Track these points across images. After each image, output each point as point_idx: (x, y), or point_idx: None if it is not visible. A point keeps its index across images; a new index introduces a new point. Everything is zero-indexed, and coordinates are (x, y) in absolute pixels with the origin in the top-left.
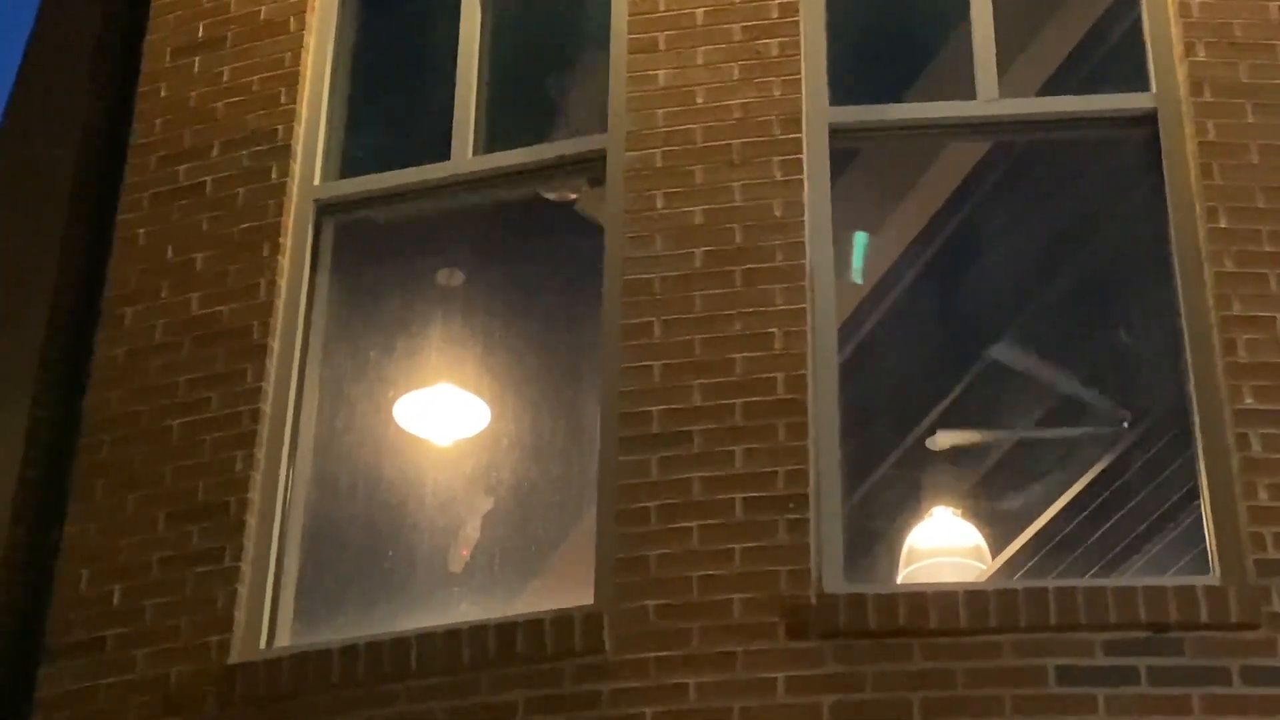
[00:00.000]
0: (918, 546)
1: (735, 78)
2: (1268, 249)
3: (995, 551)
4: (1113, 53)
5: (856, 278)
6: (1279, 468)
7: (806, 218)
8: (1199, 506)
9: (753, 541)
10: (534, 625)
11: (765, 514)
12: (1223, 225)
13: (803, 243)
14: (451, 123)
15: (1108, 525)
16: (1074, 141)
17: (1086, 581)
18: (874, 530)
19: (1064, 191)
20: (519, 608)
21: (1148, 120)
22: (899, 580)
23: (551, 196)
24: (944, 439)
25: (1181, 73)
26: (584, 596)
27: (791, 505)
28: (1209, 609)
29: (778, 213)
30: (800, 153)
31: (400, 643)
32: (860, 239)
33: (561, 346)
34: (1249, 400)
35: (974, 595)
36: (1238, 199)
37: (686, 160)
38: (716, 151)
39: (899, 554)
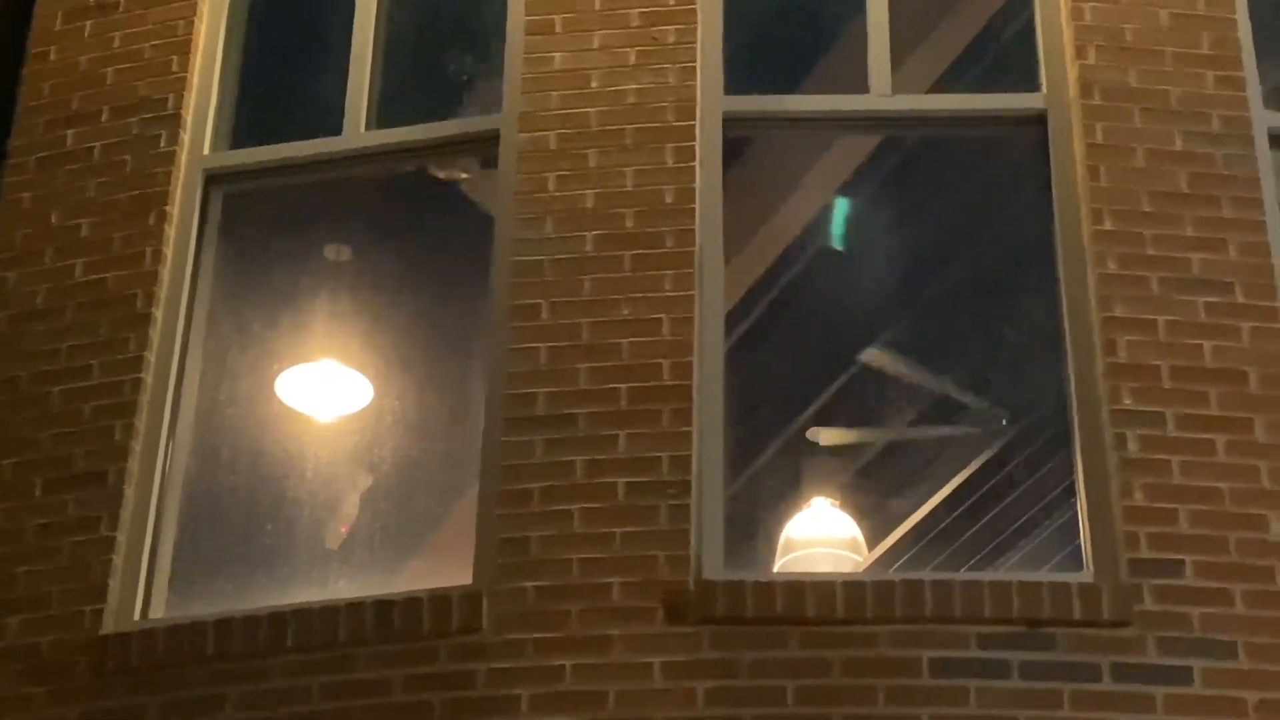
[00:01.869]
0: (795, 537)
1: (631, 63)
2: (1151, 252)
3: (873, 544)
4: (1006, 52)
5: (837, 244)
6: (1155, 468)
7: (698, 205)
8: (1076, 505)
9: (634, 526)
10: (412, 604)
11: (647, 499)
12: (1107, 227)
13: (693, 230)
14: (345, 97)
15: (985, 521)
16: (964, 140)
17: (963, 575)
18: (754, 519)
19: (953, 189)
20: (398, 586)
21: (1037, 121)
22: (775, 569)
23: (443, 175)
24: (824, 435)
25: (1072, 75)
26: (463, 576)
27: (673, 491)
28: (1082, 606)
29: (669, 199)
30: (693, 140)
31: (277, 618)
32: (841, 204)
33: (449, 326)
34: (1127, 401)
35: (851, 586)
36: (1123, 202)
37: (580, 144)
38: (610, 136)
39: (782, 543)
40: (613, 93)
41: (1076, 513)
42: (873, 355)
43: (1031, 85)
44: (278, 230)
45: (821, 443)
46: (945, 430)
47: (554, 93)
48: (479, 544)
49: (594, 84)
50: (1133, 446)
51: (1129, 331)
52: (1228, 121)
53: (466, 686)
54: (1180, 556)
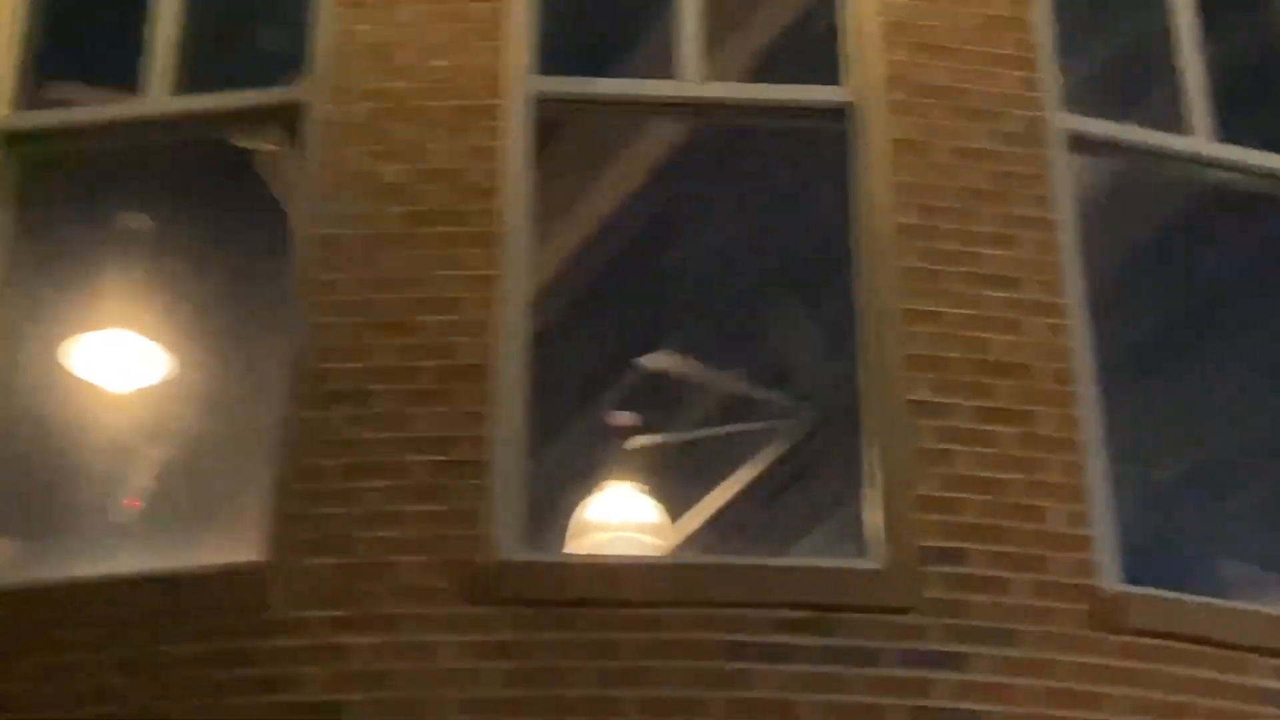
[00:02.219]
0: (592, 519)
1: (443, 38)
2: (948, 247)
3: (669, 529)
4: (816, 45)
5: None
6: (946, 459)
7: (505, 184)
8: (867, 494)
9: (431, 505)
10: (200, 579)
11: (445, 478)
12: (908, 221)
13: (500, 210)
14: (147, 62)
15: (780, 507)
16: (771, 130)
17: (757, 560)
18: (552, 501)
19: (760, 179)
20: (189, 560)
21: (843, 114)
22: (571, 552)
23: (246, 146)
24: (625, 420)
25: (878, 70)
26: (254, 552)
27: (471, 471)
28: (869, 592)
29: (476, 178)
30: (504, 119)
31: (62, 589)
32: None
33: (248, 299)
34: (920, 392)
35: (649, 569)
36: (925, 197)
37: (387, 118)
38: (419, 112)
39: (575, 525)
40: (423, 68)
41: (868, 502)
42: (669, 350)
43: (839, 79)
44: (75, 196)
45: (621, 428)
46: (743, 427)
47: (362, 66)
48: (272, 519)
49: (404, 58)
50: (924, 437)
51: (924, 324)
52: (1026, 121)
53: (252, 664)
54: (964, 545)
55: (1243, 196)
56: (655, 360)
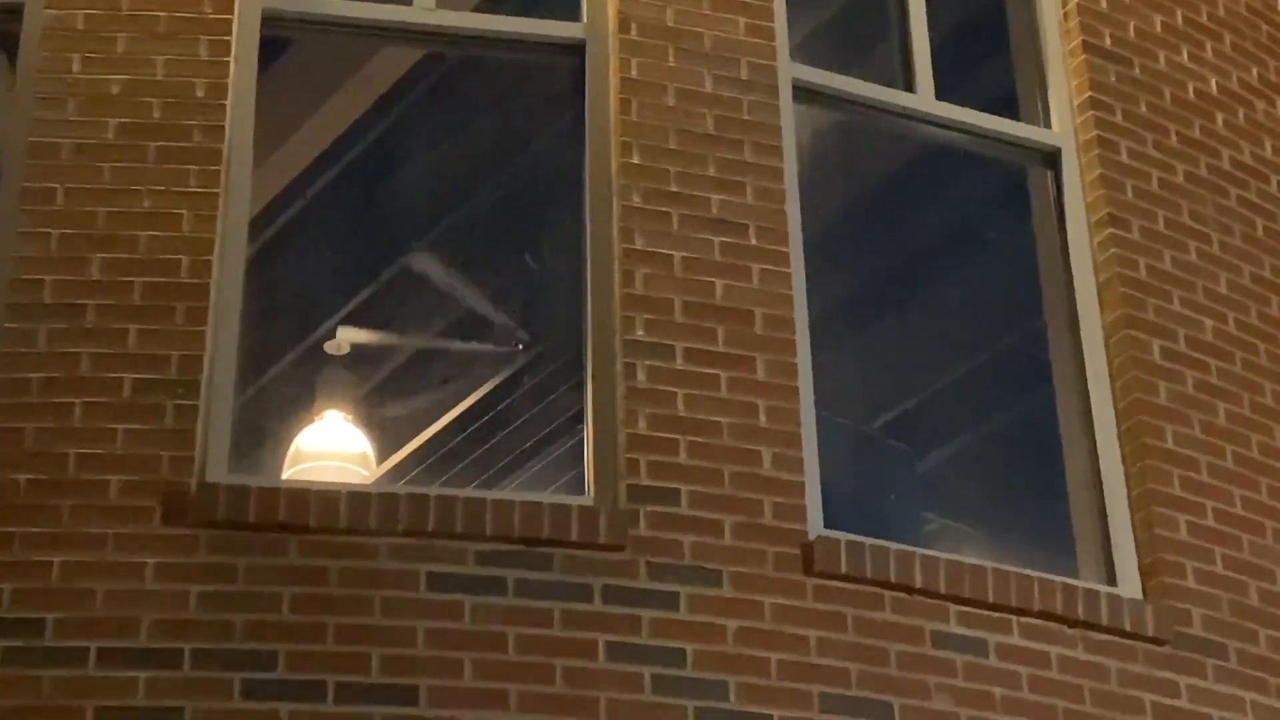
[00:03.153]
0: (304, 448)
1: None
2: (674, 189)
3: (383, 459)
4: None
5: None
6: (660, 398)
7: (229, 101)
8: (583, 430)
9: (138, 424)
10: None
11: (154, 397)
12: (635, 161)
13: (223, 126)
14: None
15: (495, 441)
16: (505, 62)
17: (467, 492)
18: (264, 427)
19: (492, 110)
20: None
21: (577, 50)
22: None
23: None
24: (344, 335)
25: (612, 8)
26: None
27: (181, 391)
28: (580, 528)
29: (200, 93)
30: (229, 34)
31: None
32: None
33: None
34: (639, 332)
35: (355, 496)
36: (652, 138)
37: (109, 26)
38: (141, 22)
39: (291, 455)
40: None
41: (583, 438)
42: (411, 260)
43: (574, 14)
44: None
45: (340, 351)
46: (463, 346)
47: None
48: None
49: None
50: (641, 376)
51: (646, 265)
52: (756, 69)
53: None
54: (676, 486)
55: (959, 154)
56: (409, 260)
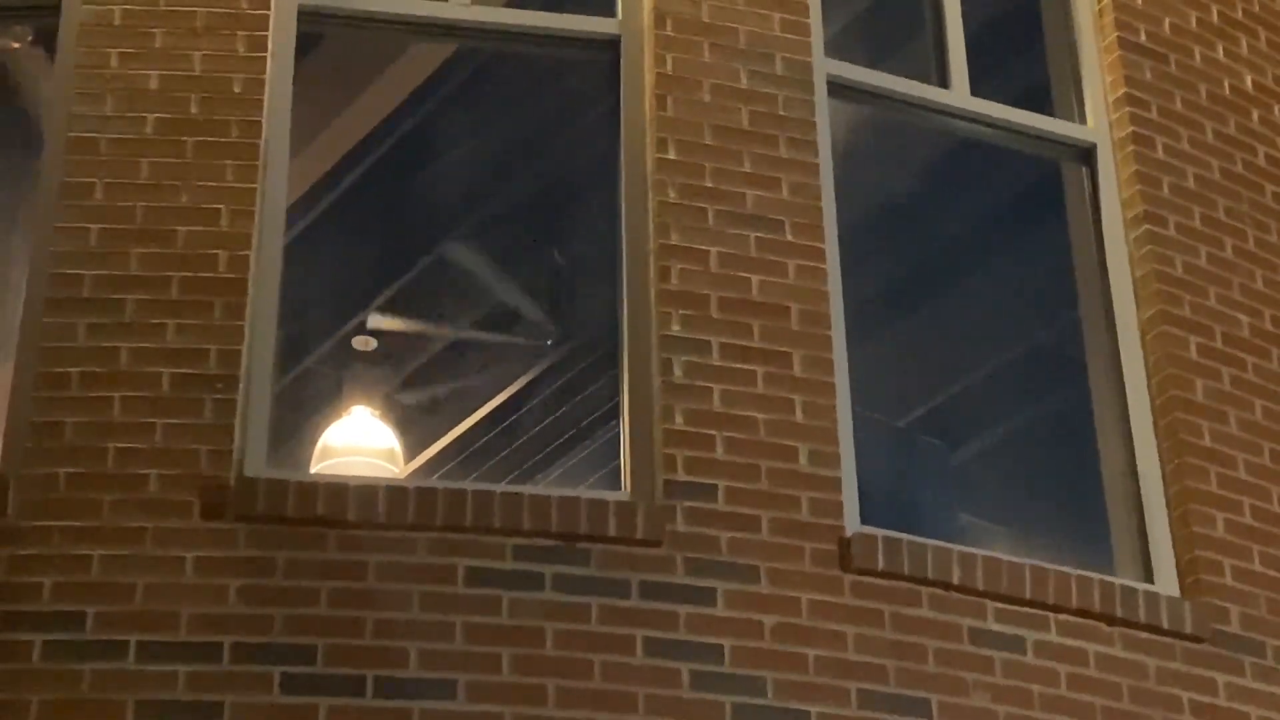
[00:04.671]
0: (332, 444)
1: None
2: (709, 184)
3: (414, 455)
4: None
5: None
6: (696, 394)
7: (266, 96)
8: (619, 425)
9: (177, 418)
10: None
11: (192, 391)
12: (670, 157)
13: (260, 121)
14: None
15: (530, 436)
16: (540, 57)
17: (504, 487)
18: (297, 421)
19: (526, 105)
20: None
21: (611, 46)
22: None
23: None
24: (376, 322)
25: (647, 4)
26: None
27: (220, 385)
28: (616, 524)
29: (237, 88)
30: (266, 29)
31: None
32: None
33: None
34: (675, 327)
35: (393, 491)
36: (687, 133)
37: (146, 21)
38: (179, 17)
39: (320, 449)
40: None
41: (619, 433)
42: (445, 253)
43: (609, 10)
44: None
45: (368, 349)
46: (496, 338)
47: None
48: (9, 427)
49: None
50: (677, 372)
51: (682, 260)
52: (790, 65)
53: None
54: (714, 481)
55: (994, 150)
56: (443, 254)
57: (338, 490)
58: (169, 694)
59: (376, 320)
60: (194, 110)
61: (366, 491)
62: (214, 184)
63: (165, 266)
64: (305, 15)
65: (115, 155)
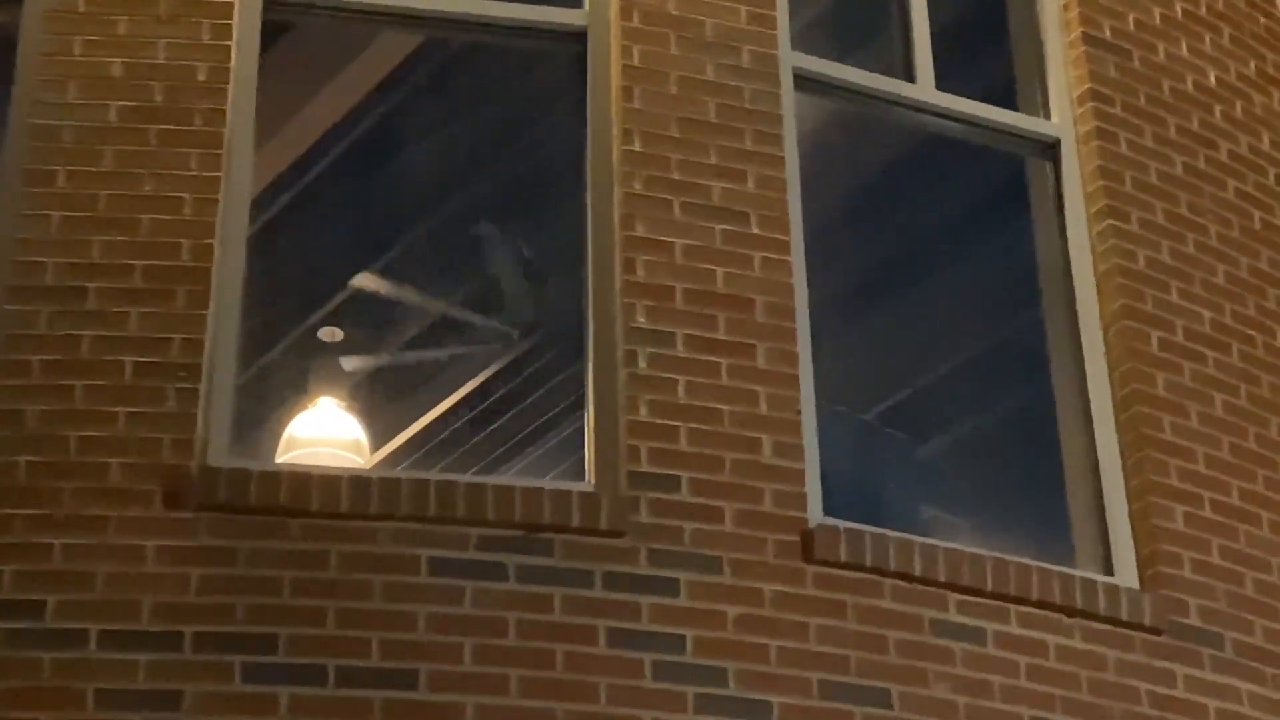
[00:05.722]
0: (298, 435)
1: None
2: (675, 176)
3: (380, 446)
4: None
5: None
6: (661, 385)
7: (231, 85)
8: (584, 416)
9: (139, 406)
10: None
11: (155, 380)
12: (636, 149)
13: (224, 110)
14: None
15: (495, 427)
16: (507, 49)
17: (468, 477)
18: (260, 412)
19: (493, 97)
20: None
21: (578, 38)
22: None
23: None
24: (360, 281)
25: None
26: None
27: (183, 374)
28: (580, 514)
29: (201, 77)
30: (231, 18)
31: None
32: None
33: None
34: (640, 319)
35: (357, 481)
36: (653, 125)
37: (110, 9)
38: (143, 5)
39: (285, 441)
40: None
41: (584, 424)
42: (409, 244)
43: (576, 2)
44: None
45: (335, 343)
46: (458, 350)
47: None
48: None
49: None
50: (642, 363)
51: (648, 252)
52: (757, 57)
53: None
54: (678, 473)
55: (958, 144)
56: (367, 280)
57: (301, 480)
58: (130, 683)
59: (361, 278)
60: (158, 98)
61: (329, 481)
62: (178, 172)
63: (128, 255)
64: (271, 4)
65: (78, 143)
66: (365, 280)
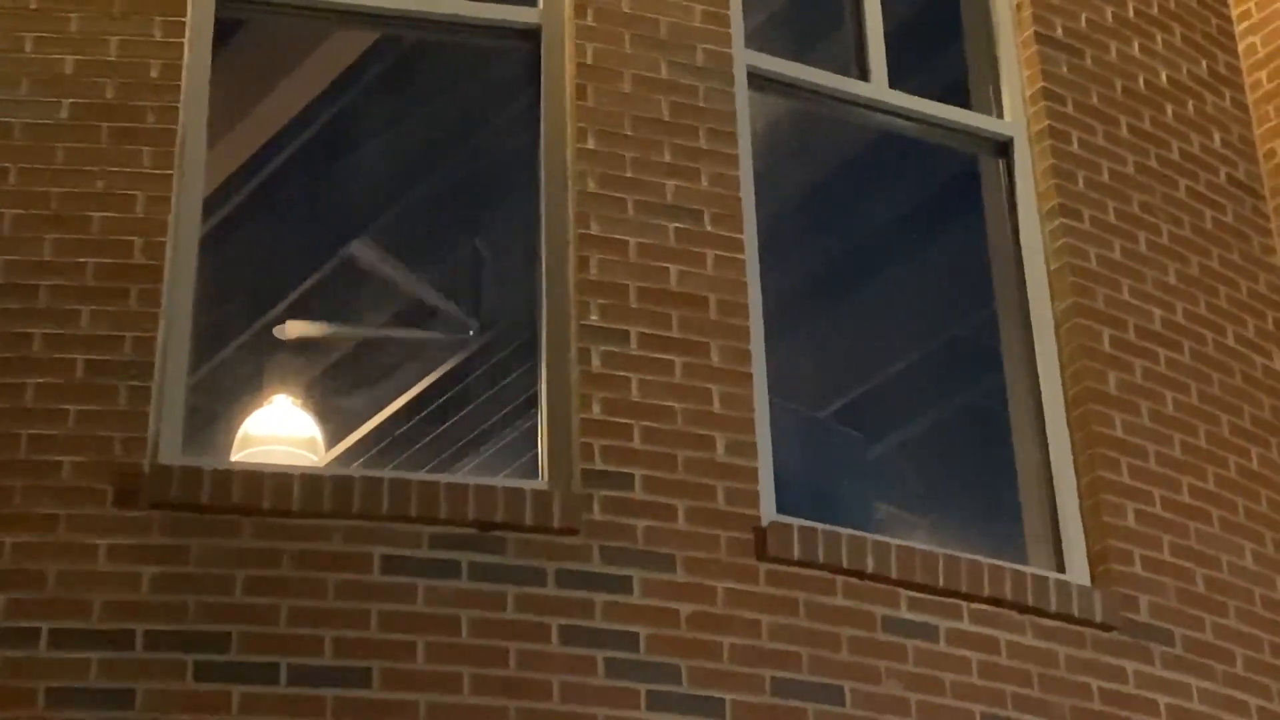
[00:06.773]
0: (253, 432)
1: None
2: (629, 174)
3: (336, 444)
4: None
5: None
6: (614, 383)
7: (184, 82)
8: (537, 415)
9: (90, 404)
10: None
11: (106, 378)
12: (590, 147)
13: (177, 107)
14: None
15: (449, 426)
16: (461, 46)
17: (421, 475)
18: (214, 410)
19: (445, 95)
20: None
21: (532, 36)
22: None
23: None
24: (294, 328)
25: None
26: None
27: (134, 372)
28: (533, 512)
29: (154, 74)
30: (184, 15)
31: None
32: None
33: None
34: (594, 317)
35: (309, 479)
36: (607, 123)
37: (62, 5)
38: (96, 1)
39: (240, 439)
40: None
41: (538, 422)
42: (360, 246)
43: (530, 0)
44: None
45: (289, 338)
46: (416, 334)
47: None
48: None
49: None
50: (595, 361)
51: (601, 250)
52: (711, 56)
53: None
54: (631, 470)
55: (911, 143)
56: (359, 246)
57: (253, 478)
58: (81, 681)
59: (294, 325)
60: (110, 95)
61: (282, 479)
62: (130, 170)
63: (79, 252)
64: (224, 1)
65: (29, 140)
66: (349, 253)
